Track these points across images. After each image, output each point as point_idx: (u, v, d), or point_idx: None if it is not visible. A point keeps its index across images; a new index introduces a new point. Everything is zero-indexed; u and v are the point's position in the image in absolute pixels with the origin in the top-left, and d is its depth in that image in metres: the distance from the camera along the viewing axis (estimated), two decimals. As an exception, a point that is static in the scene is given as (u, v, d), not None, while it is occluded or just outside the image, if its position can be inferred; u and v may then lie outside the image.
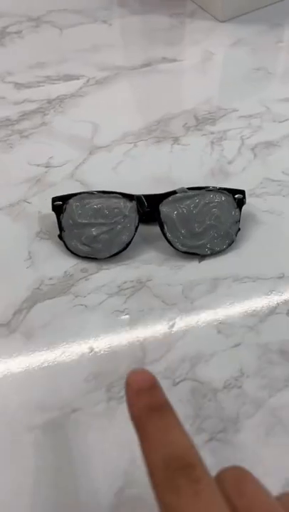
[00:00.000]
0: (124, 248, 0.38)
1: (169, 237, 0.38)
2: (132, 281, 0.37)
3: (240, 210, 0.39)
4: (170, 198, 0.38)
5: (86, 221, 0.38)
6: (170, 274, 0.38)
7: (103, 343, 0.34)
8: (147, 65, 0.56)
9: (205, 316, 0.35)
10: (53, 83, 0.54)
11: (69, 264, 0.38)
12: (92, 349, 0.34)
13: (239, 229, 0.39)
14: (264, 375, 0.33)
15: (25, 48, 0.59)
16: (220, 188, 0.38)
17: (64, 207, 0.38)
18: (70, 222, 0.38)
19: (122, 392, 0.32)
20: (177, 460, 0.18)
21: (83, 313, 0.36)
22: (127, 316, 0.36)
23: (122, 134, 0.48)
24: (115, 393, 0.32)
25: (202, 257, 0.38)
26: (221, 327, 0.35)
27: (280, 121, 0.49)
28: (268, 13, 0.62)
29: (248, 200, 0.41)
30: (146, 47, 0.58)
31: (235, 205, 0.39)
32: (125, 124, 0.49)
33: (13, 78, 0.54)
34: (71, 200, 0.38)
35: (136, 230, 0.38)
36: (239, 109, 0.50)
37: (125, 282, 0.37)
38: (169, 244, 0.38)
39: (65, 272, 0.38)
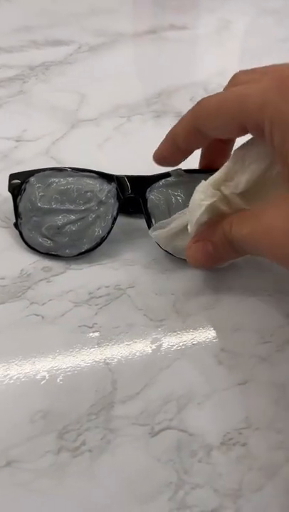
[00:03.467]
0: (98, 245, 0.29)
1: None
2: (108, 286, 0.28)
3: None
4: (161, 182, 0.29)
5: (49, 206, 0.29)
6: (159, 280, 0.29)
7: (61, 369, 0.25)
8: (152, 32, 0.47)
9: (202, 340, 0.26)
10: (39, 48, 0.45)
11: (28, 260, 0.29)
12: (44, 377, 0.25)
13: None
14: (280, 428, 0.23)
15: (13, 11, 0.50)
16: None
17: (23, 187, 0.29)
18: (29, 206, 0.29)
19: (78, 442, 0.23)
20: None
21: (39, 327, 0.27)
22: (97, 334, 0.26)
23: (113, 106, 0.39)
24: (69, 442, 0.23)
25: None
26: (223, 356, 0.26)
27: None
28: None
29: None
30: (152, 13, 0.50)
31: None
32: (119, 96, 0.40)
33: (-8, 41, 0.46)
34: (32, 179, 0.29)
35: (114, 222, 0.29)
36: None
37: (99, 288, 0.28)
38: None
39: (22, 270, 0.29)
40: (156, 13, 0.50)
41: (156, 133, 0.37)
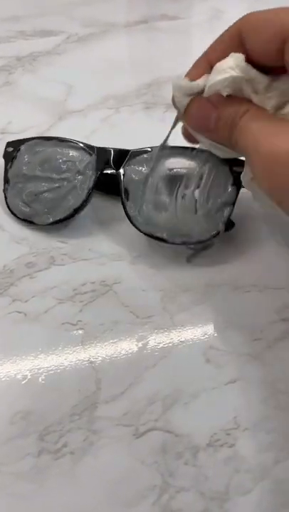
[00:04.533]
0: (70, 216, 0.28)
1: (129, 211, 0.27)
2: (94, 282, 0.27)
3: (238, 187, 0.27)
4: (140, 157, 0.28)
5: (32, 173, 0.29)
6: (146, 275, 0.28)
7: (43, 368, 0.24)
8: (143, 22, 0.46)
9: (189, 337, 0.25)
10: (26, 39, 0.44)
11: (12, 255, 0.28)
12: (25, 377, 0.24)
13: (234, 224, 0.28)
14: (270, 429, 0.23)
15: (2, 1, 0.49)
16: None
17: (14, 154, 0.30)
18: (16, 173, 0.30)
19: (60, 444, 0.22)
20: None
21: (21, 324, 0.26)
22: (81, 332, 0.25)
23: (102, 97, 0.38)
24: (50, 444, 0.22)
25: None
26: (211, 354, 0.25)
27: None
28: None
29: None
30: (143, 2, 0.49)
31: (232, 180, 0.27)
32: (107, 87, 0.39)
33: (-21, 32, 0.45)
34: (23, 147, 0.30)
35: (89, 194, 0.28)
36: (252, 74, 0.40)
37: (84, 284, 0.27)
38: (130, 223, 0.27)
39: (5, 266, 0.28)
40: (148, 3, 0.48)
41: (145, 124, 0.36)
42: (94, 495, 0.21)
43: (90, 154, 0.29)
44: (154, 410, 0.23)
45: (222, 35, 0.23)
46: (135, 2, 0.49)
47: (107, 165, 0.28)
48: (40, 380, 0.24)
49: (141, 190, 0.28)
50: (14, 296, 0.27)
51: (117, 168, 0.28)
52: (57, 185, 0.29)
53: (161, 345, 0.25)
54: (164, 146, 0.27)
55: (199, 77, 0.23)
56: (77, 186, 0.28)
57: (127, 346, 0.25)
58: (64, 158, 0.29)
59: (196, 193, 0.27)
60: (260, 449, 0.22)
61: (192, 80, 0.23)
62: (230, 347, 0.25)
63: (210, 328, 0.26)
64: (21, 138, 0.30)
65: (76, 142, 0.29)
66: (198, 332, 0.25)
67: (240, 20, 0.22)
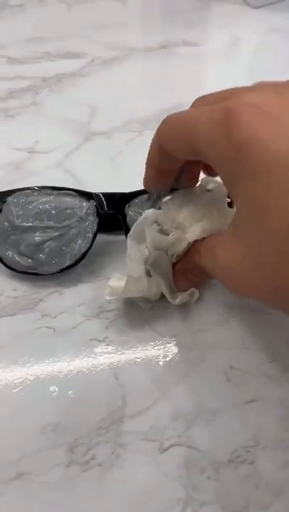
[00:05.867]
0: (78, 261, 0.28)
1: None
2: (119, 300, 0.29)
3: None
4: (137, 199, 0.29)
5: (28, 224, 0.29)
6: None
7: (72, 383, 0.25)
8: (164, 47, 0.48)
9: (211, 357, 0.26)
10: (52, 60, 0.46)
11: (40, 272, 0.30)
12: (55, 390, 0.25)
13: None
14: (287, 447, 0.24)
15: (27, 22, 0.51)
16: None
17: (0, 207, 0.29)
18: (7, 225, 0.29)
19: (88, 456, 0.23)
20: None
21: (50, 339, 0.27)
22: (107, 348, 0.27)
23: (125, 121, 0.40)
24: (79, 455, 0.23)
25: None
26: (232, 374, 0.26)
27: None
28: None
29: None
30: (163, 28, 0.50)
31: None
32: (130, 110, 0.40)
33: (6, 52, 0.46)
34: (10, 198, 0.29)
35: (94, 237, 0.29)
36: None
37: (110, 302, 0.29)
38: None
39: (34, 282, 0.29)
40: (165, 28, 0.50)
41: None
42: (120, 505, 0.22)
43: (89, 200, 0.29)
44: (178, 426, 0.24)
45: (151, 142, 0.25)
46: (153, 28, 0.51)
47: (108, 208, 0.29)
48: (69, 393, 0.25)
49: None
50: (43, 312, 0.28)
51: (117, 211, 0.29)
52: (60, 232, 0.29)
53: (183, 363, 0.26)
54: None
55: (151, 176, 0.26)
56: (81, 232, 0.29)
57: (151, 363, 0.26)
58: (63, 207, 0.29)
59: None
60: (278, 467, 0.23)
61: (147, 181, 0.26)
62: (249, 367, 0.26)
63: (231, 349, 0.27)
64: (5, 190, 0.30)
65: (71, 190, 0.29)
66: (220, 352, 0.27)
67: (159, 127, 0.24)
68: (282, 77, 0.48)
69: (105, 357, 0.26)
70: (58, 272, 0.29)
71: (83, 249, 0.28)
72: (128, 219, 0.29)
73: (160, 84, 0.44)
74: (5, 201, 0.29)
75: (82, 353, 0.26)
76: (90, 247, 0.28)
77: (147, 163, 0.26)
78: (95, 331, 0.27)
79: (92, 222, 0.29)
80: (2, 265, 0.29)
